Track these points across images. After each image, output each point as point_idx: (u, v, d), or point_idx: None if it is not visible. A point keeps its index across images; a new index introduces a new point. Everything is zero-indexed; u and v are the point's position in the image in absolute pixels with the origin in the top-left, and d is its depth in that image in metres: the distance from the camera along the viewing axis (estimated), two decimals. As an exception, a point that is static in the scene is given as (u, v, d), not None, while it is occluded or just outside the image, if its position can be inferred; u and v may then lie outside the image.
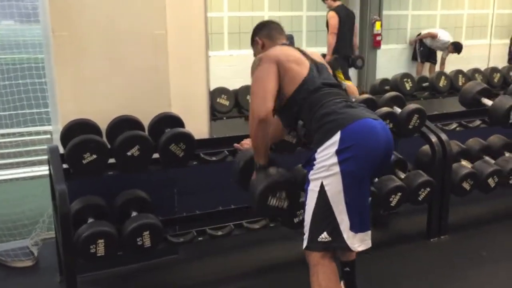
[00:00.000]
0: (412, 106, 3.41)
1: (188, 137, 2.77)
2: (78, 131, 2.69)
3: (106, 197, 2.86)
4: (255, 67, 2.37)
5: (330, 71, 2.56)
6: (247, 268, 3.14)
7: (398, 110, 3.47)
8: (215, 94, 4.21)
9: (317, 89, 2.30)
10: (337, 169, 2.10)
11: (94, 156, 2.56)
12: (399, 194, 3.25)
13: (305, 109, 2.30)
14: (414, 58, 9.93)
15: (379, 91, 4.81)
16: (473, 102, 3.90)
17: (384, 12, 9.73)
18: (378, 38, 9.39)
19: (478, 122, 3.77)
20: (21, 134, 3.70)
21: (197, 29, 3.22)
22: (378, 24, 9.28)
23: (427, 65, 9.84)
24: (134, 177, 2.94)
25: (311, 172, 2.19)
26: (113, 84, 2.90)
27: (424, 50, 9.57)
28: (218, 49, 8.71)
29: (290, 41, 2.59)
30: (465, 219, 3.80)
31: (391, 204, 3.26)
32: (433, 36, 9.46)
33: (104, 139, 2.78)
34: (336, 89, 2.38)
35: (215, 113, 4.15)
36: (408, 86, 4.58)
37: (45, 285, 2.95)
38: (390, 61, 10.03)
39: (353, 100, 2.41)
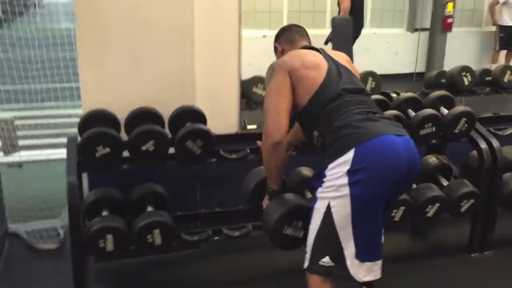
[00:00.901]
0: (460, 108, 3.09)
1: (205, 133, 2.64)
2: (96, 122, 2.64)
3: (126, 189, 2.82)
4: (268, 78, 2.20)
5: (358, 73, 2.32)
6: (265, 269, 3.02)
7: (445, 111, 3.16)
8: (251, 83, 4.04)
9: (335, 97, 2.07)
10: (346, 191, 1.90)
11: (108, 150, 2.50)
12: (437, 204, 2.98)
13: (321, 119, 2.08)
14: (494, 48, 9.05)
15: (434, 85, 4.44)
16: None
17: (459, -8, 9.05)
18: (450, 20, 8.77)
19: (540, 129, 3.37)
20: (55, 116, 3.72)
21: (229, 11, 3.04)
22: (450, 5, 8.66)
23: (503, 54, 9.03)
24: (156, 169, 2.86)
25: (319, 189, 2.00)
26: (135, 74, 2.82)
27: (505, 36, 8.63)
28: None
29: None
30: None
31: (428, 215, 3.00)
32: None
33: (122, 131, 2.71)
34: (359, 96, 2.12)
35: (251, 103, 3.99)
36: (466, 81, 4.17)
37: (66, 270, 2.97)
38: (462, 46, 9.37)
39: (379, 111, 2.11)
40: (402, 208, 2.91)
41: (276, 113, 2.10)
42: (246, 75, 8.40)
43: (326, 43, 7.10)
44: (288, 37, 2.36)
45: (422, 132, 3.00)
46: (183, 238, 2.77)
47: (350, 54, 7.52)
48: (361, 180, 1.88)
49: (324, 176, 1.97)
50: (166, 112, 2.82)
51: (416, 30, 9.30)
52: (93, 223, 2.50)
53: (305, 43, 2.34)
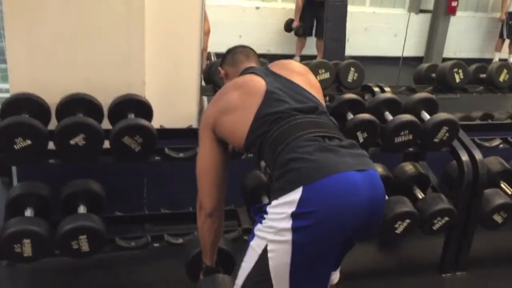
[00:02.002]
0: (441, 115, 2.75)
1: (145, 128, 2.31)
2: (20, 108, 2.30)
3: (60, 184, 2.51)
4: (199, 137, 1.91)
5: (315, 86, 1.96)
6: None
7: (426, 116, 2.82)
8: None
9: (280, 121, 1.71)
10: (288, 236, 1.56)
11: (28, 142, 2.17)
12: (408, 220, 2.68)
13: (267, 148, 1.73)
14: (500, 35, 8.62)
15: (424, 79, 4.07)
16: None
17: (465, -27, 8.57)
18: (454, 3, 8.32)
19: (529, 140, 3.05)
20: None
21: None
22: (456, -13, 8.19)
23: (507, 42, 8.62)
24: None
25: (259, 225, 1.66)
26: (73, 53, 2.47)
27: None
28: None
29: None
30: (491, 253, 3.16)
31: (396, 231, 2.70)
32: None
33: (54, 119, 2.38)
34: (312, 117, 1.75)
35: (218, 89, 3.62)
36: (458, 78, 3.79)
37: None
38: (465, 31, 8.98)
39: (336, 134, 1.75)
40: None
41: (206, 190, 1.88)
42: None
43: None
44: (232, 59, 2.07)
45: (398, 139, 2.68)
46: (117, 244, 2.46)
47: (344, 33, 7.15)
48: (307, 227, 1.54)
49: (266, 212, 1.64)
50: (107, 100, 2.48)
51: (422, 11, 8.87)
52: (9, 225, 2.20)
53: (250, 65, 2.01)
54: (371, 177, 1.65)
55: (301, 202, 1.55)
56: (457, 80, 3.84)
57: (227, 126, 1.81)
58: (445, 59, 8.55)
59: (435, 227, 2.76)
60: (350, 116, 2.72)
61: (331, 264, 1.70)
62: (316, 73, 3.60)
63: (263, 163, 1.78)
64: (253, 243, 1.67)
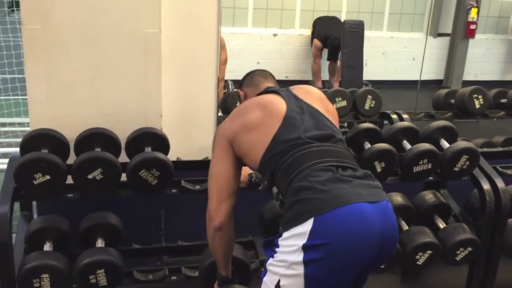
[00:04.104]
0: (461, 144, 2.71)
1: (162, 163, 2.32)
2: (39, 143, 2.34)
3: (78, 218, 2.52)
4: (212, 148, 1.91)
5: (333, 113, 1.97)
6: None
7: (445, 144, 2.78)
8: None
9: (295, 148, 1.71)
10: (300, 270, 1.55)
11: (47, 177, 2.20)
12: (429, 252, 2.62)
13: (279, 175, 1.73)
14: None
15: (443, 106, 4.04)
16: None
17: (485, -4, 8.54)
18: (472, 26, 8.28)
19: (555, 167, 2.97)
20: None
21: (205, 21, 2.72)
22: (474, 10, 8.18)
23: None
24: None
25: (271, 260, 1.65)
26: (92, 90, 2.51)
27: None
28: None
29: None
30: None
31: (418, 263, 2.64)
32: None
33: (72, 154, 2.41)
34: (327, 145, 1.74)
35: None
36: (478, 103, 3.76)
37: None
38: (485, 53, 8.90)
39: (350, 163, 1.74)
40: (388, 254, 2.56)
41: (216, 201, 1.84)
42: (253, 76, 8.11)
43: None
44: (251, 80, 2.11)
45: (417, 169, 2.63)
46: (135, 278, 2.46)
47: (361, 58, 7.17)
48: (319, 260, 1.53)
49: (277, 245, 1.63)
50: (125, 134, 2.51)
51: (440, 35, 8.85)
52: (28, 260, 2.21)
53: (269, 85, 2.03)
54: (384, 209, 1.63)
55: (312, 233, 1.53)
56: (477, 105, 3.81)
57: (245, 145, 1.80)
58: (465, 82, 8.51)
59: (458, 258, 2.69)
60: (367, 145, 2.69)
61: None
62: (333, 101, 3.61)
63: (275, 189, 1.78)
64: (266, 279, 1.66)
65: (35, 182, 2.20)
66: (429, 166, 2.64)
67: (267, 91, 1.96)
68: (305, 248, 1.53)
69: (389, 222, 1.65)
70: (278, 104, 1.84)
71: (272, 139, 1.75)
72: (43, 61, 2.42)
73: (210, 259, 2.20)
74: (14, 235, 2.59)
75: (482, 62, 8.82)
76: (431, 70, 8.86)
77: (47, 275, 2.19)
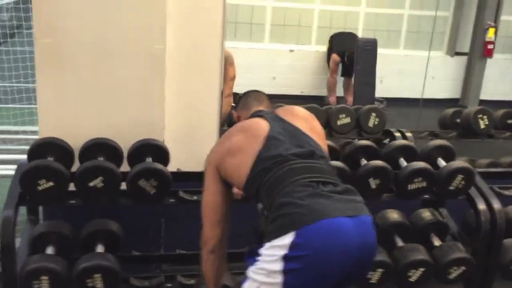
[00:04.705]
0: (456, 163, 2.75)
1: (160, 173, 2.42)
2: (46, 151, 2.46)
3: (82, 224, 2.63)
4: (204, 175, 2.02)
5: (318, 132, 2.04)
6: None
7: (442, 163, 2.82)
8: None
9: (278, 164, 1.80)
10: (279, 279, 1.63)
11: (51, 184, 2.31)
12: (422, 269, 2.65)
13: (264, 191, 1.82)
14: None
15: (448, 125, 4.06)
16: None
17: (503, 17, 8.52)
18: (490, 46, 8.27)
19: (553, 189, 2.98)
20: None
21: (210, 38, 2.82)
22: (491, 30, 8.18)
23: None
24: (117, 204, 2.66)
25: (251, 268, 1.73)
26: (98, 102, 2.63)
27: None
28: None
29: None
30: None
31: (410, 279, 2.67)
32: None
33: (77, 163, 2.52)
34: (309, 162, 1.83)
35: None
36: (482, 124, 3.78)
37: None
38: (503, 73, 8.86)
39: (331, 178, 1.83)
40: (380, 270, 2.60)
41: (209, 226, 1.98)
42: (268, 90, 8.22)
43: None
44: (245, 103, 2.22)
45: (411, 186, 2.68)
46: (131, 283, 2.55)
47: (373, 76, 7.22)
48: (297, 270, 1.61)
49: (259, 254, 1.71)
50: (128, 145, 2.62)
51: (457, 54, 8.84)
52: (29, 262, 2.32)
53: (260, 108, 2.14)
54: (362, 223, 1.70)
55: (292, 246, 1.61)
56: (482, 126, 3.83)
57: (230, 168, 1.90)
58: (482, 101, 8.47)
59: (451, 276, 2.71)
60: (363, 162, 2.75)
61: None
62: (336, 118, 3.68)
63: (260, 205, 1.86)
64: (246, 285, 1.73)
65: (39, 188, 2.31)
66: (424, 184, 2.68)
67: (253, 115, 2.06)
68: (285, 258, 1.62)
69: (367, 236, 1.71)
70: (261, 126, 1.94)
71: (255, 158, 1.84)
72: (53, 73, 2.56)
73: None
74: (20, 239, 2.73)
75: (499, 82, 8.77)
76: (448, 89, 8.86)
77: (46, 277, 2.29)
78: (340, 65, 7.63)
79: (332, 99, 7.78)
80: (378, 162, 2.67)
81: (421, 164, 2.69)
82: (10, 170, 3.31)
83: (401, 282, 2.69)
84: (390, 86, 8.36)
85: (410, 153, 2.84)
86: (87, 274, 2.34)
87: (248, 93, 2.27)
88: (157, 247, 2.91)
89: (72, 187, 2.42)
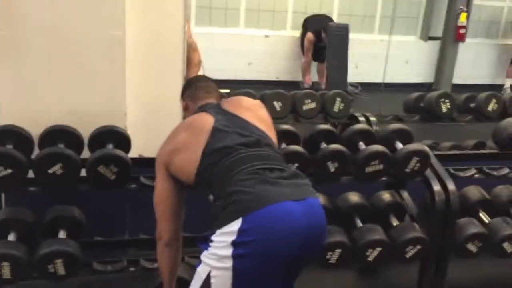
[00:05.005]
0: (412, 146, 2.82)
1: (120, 159, 2.45)
2: (5, 138, 2.47)
3: (45, 210, 2.66)
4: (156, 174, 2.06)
5: (264, 123, 2.06)
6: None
7: (400, 146, 2.89)
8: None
9: (225, 155, 1.85)
10: (229, 263, 1.69)
11: (9, 171, 2.33)
12: (378, 249, 2.73)
13: (214, 183, 1.86)
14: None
15: (412, 109, 4.14)
16: (509, 144, 3.20)
17: (476, 2, 8.61)
18: (462, 30, 8.38)
19: (506, 170, 3.08)
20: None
21: (171, 21, 2.85)
22: (463, 15, 8.29)
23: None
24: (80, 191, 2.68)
25: (205, 252, 1.79)
26: (57, 89, 2.65)
27: None
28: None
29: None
30: (470, 282, 3.17)
31: (369, 259, 2.75)
32: None
33: (36, 149, 2.54)
34: (255, 150, 1.87)
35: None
36: (444, 107, 3.86)
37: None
38: (476, 57, 8.98)
39: (278, 165, 1.87)
40: (338, 250, 2.68)
41: (162, 221, 2.02)
42: (244, 76, 8.25)
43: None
44: (192, 94, 2.20)
45: (369, 169, 2.75)
46: (94, 268, 2.59)
47: (345, 61, 7.27)
48: (246, 255, 1.67)
49: (211, 240, 1.76)
50: (89, 132, 2.64)
51: (430, 38, 8.94)
52: (-11, 249, 2.35)
53: (207, 101, 2.14)
54: (309, 205, 1.76)
55: (240, 232, 1.67)
56: (444, 109, 3.91)
57: (177, 165, 1.95)
58: (454, 86, 8.61)
59: (407, 255, 2.79)
60: (323, 145, 2.81)
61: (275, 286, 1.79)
62: (302, 103, 3.73)
63: (211, 197, 1.90)
64: (199, 269, 1.79)
65: (-2, 175, 2.33)
66: (381, 167, 2.75)
67: (200, 109, 2.08)
68: (234, 244, 1.67)
69: (314, 218, 1.78)
70: (205, 121, 1.96)
71: (202, 153, 1.88)
72: (11, 63, 2.56)
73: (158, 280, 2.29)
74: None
75: (472, 66, 8.91)
76: (422, 73, 8.97)
77: (7, 263, 2.33)
78: (313, 51, 7.67)
79: (307, 79, 7.82)
80: (336, 146, 2.74)
81: (377, 148, 2.76)
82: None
83: (360, 261, 2.78)
84: (365, 71, 8.43)
85: (368, 137, 2.91)
86: (48, 259, 2.37)
87: (196, 83, 2.25)
88: (122, 232, 2.94)
89: (32, 174, 2.44)
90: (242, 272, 1.69)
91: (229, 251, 1.68)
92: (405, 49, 8.79)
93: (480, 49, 8.99)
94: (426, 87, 8.59)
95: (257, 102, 2.19)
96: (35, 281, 2.53)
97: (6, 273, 2.34)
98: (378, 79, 8.53)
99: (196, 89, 2.20)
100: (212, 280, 1.72)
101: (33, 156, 2.50)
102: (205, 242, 1.80)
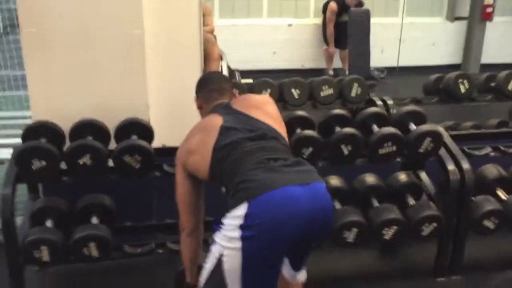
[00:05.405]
0: (424, 127, 2.89)
1: (143, 149, 2.62)
2: (38, 133, 2.68)
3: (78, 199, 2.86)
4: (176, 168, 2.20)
5: (271, 118, 2.18)
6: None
7: (414, 128, 2.97)
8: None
9: (233, 149, 1.98)
10: (238, 244, 1.83)
11: (44, 163, 2.53)
12: (394, 227, 2.83)
13: (225, 178, 2.01)
14: None
15: (432, 91, 4.18)
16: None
17: (504, -23, 8.43)
18: (489, 9, 8.24)
19: (521, 148, 3.11)
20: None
21: (187, 18, 2.98)
22: (490, -7, 8.11)
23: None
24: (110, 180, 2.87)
25: (217, 233, 1.93)
26: (84, 85, 2.84)
27: None
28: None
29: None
30: (488, 258, 3.22)
31: (385, 237, 2.85)
32: None
33: (68, 143, 2.74)
34: (261, 142, 2.00)
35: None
36: (463, 88, 3.88)
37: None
38: (504, 36, 8.80)
39: (282, 155, 1.99)
40: (355, 229, 2.79)
41: (183, 213, 2.17)
42: (269, 65, 8.34)
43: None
44: (207, 96, 2.30)
45: (382, 151, 2.84)
46: (124, 251, 2.78)
47: (367, 46, 7.26)
48: (252, 237, 1.81)
49: (223, 223, 1.91)
50: (115, 124, 2.82)
51: (457, 18, 8.82)
52: (29, 234, 2.56)
53: (221, 101, 2.25)
54: (314, 189, 1.88)
55: (247, 215, 1.81)
56: (462, 90, 3.94)
57: (192, 165, 2.10)
58: (483, 66, 8.49)
59: (423, 233, 2.88)
60: (337, 129, 2.91)
61: (276, 269, 1.93)
62: (319, 90, 3.83)
63: (223, 189, 2.05)
64: (213, 248, 1.94)
65: (33, 167, 2.54)
66: (394, 148, 2.84)
67: (212, 111, 2.21)
68: (241, 227, 1.82)
69: (319, 200, 1.89)
70: (215, 122, 2.10)
71: (213, 150, 2.02)
72: (40, 60, 2.76)
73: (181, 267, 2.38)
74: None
75: (500, 45, 8.74)
76: (449, 54, 8.86)
77: (45, 247, 2.54)
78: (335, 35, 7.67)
79: (329, 70, 7.85)
80: (349, 129, 2.84)
81: (390, 130, 2.85)
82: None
83: (377, 240, 2.88)
84: (391, 55, 8.40)
85: (382, 120, 2.99)
86: (82, 243, 2.58)
87: (210, 85, 2.32)
88: (150, 217, 3.13)
89: (64, 165, 2.64)
90: (250, 253, 1.83)
91: (237, 234, 1.82)
92: (432, 31, 8.72)
93: (508, 28, 8.80)
94: (454, 68, 8.50)
95: (265, 97, 2.32)
96: (74, 265, 2.74)
97: (45, 256, 2.55)
98: (404, 63, 8.53)
99: (210, 91, 2.29)
100: (224, 259, 1.87)
101: (64, 149, 2.69)
102: (218, 224, 1.95)
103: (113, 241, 2.65)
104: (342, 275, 3.11)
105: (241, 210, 1.82)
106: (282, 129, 2.18)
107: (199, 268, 2.26)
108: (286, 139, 2.19)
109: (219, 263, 1.88)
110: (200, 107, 2.34)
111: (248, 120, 2.10)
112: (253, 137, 2.02)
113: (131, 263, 3.02)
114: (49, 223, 2.71)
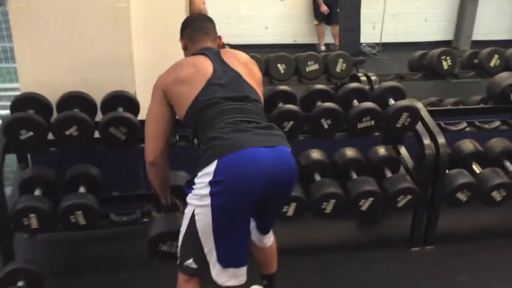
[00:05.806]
0: (401, 103, 2.98)
1: (129, 121, 2.70)
2: (25, 104, 2.75)
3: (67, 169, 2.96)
4: (151, 97, 2.22)
5: (255, 80, 2.24)
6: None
7: (392, 103, 3.06)
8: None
9: (212, 107, 2.05)
10: (208, 201, 1.93)
11: (31, 133, 2.61)
12: (371, 199, 2.94)
13: (199, 129, 2.09)
14: None
15: (416, 67, 4.26)
16: (501, 98, 3.31)
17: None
18: (481, -15, 8.23)
19: (497, 123, 3.21)
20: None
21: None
22: (482, -31, 8.10)
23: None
24: (97, 151, 2.95)
25: (189, 195, 2.04)
26: (71, 58, 2.90)
27: None
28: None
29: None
30: (463, 228, 3.36)
31: (362, 209, 2.97)
32: None
33: (55, 114, 2.82)
34: (240, 104, 2.08)
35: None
36: (446, 65, 3.96)
37: None
38: (496, 13, 8.85)
39: (257, 118, 2.08)
40: (333, 201, 2.91)
41: (151, 135, 2.18)
42: (261, 40, 8.34)
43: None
44: (191, 35, 2.31)
45: (360, 125, 2.93)
46: (111, 219, 2.89)
47: (357, 22, 7.29)
48: (220, 192, 1.91)
49: (194, 183, 2.01)
50: (101, 97, 2.89)
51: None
52: (17, 202, 2.66)
53: (205, 44, 2.27)
54: (279, 152, 2.00)
55: (216, 172, 1.92)
56: (445, 66, 4.02)
57: (176, 96, 2.13)
58: (474, 42, 8.53)
59: (399, 205, 3.00)
60: (318, 104, 3.00)
61: (246, 223, 2.05)
62: (305, 65, 3.90)
63: (196, 141, 2.14)
64: (186, 210, 2.06)
65: (21, 138, 2.62)
66: (372, 123, 2.94)
67: (200, 52, 2.23)
68: (211, 183, 1.92)
69: (283, 163, 2.01)
70: (207, 66, 2.14)
71: (194, 99, 2.09)
72: (28, 34, 2.82)
73: (159, 229, 2.41)
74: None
75: (492, 22, 8.78)
76: (441, 31, 8.91)
77: (34, 215, 2.64)
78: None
79: (322, 44, 7.87)
80: (329, 104, 2.93)
81: (368, 104, 2.94)
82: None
83: (354, 211, 2.99)
84: (383, 31, 8.44)
85: (362, 95, 3.08)
86: (69, 211, 2.67)
87: (193, 23, 2.33)
88: (138, 188, 3.22)
89: (51, 136, 2.72)
90: (218, 208, 1.93)
91: (207, 190, 1.93)
92: (424, 7, 8.73)
93: (501, 5, 8.83)
94: (446, 45, 8.54)
95: (251, 59, 2.36)
96: (62, 233, 2.85)
97: (34, 223, 2.65)
98: (396, 39, 8.57)
99: (194, 30, 2.30)
100: (196, 217, 1.99)
101: (52, 120, 2.77)
102: (190, 185, 2.05)
103: (100, 210, 2.75)
104: (321, 245, 3.23)
105: (211, 167, 1.92)
106: (261, 92, 2.26)
107: (177, 188, 2.39)
108: (263, 101, 2.26)
109: (192, 223, 2.00)
110: (185, 48, 2.34)
111: (235, 77, 2.15)
112: (234, 97, 2.09)
113: (118, 231, 3.14)
114: (37, 192, 2.80)
